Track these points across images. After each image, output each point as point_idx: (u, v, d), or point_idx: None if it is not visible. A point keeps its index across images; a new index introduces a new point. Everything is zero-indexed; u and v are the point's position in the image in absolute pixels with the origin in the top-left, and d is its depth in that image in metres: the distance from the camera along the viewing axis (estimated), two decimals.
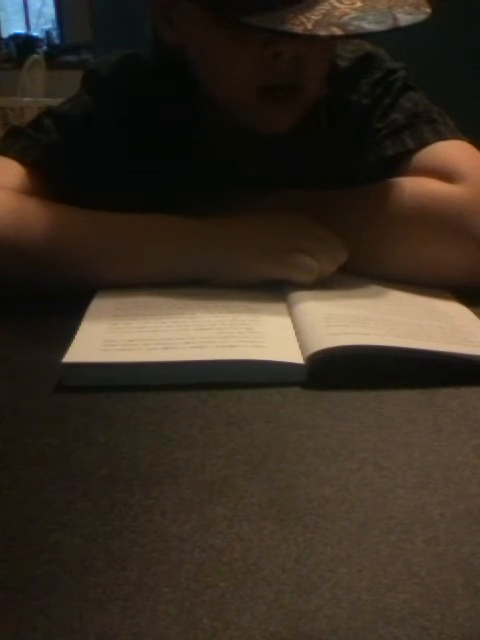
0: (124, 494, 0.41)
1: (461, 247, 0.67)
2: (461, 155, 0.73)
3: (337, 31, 0.60)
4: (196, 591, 0.33)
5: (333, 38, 0.61)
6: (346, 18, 0.61)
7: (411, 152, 0.74)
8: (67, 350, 0.55)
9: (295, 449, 0.45)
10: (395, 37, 0.63)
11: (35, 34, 6.15)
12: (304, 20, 0.60)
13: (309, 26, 0.60)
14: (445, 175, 0.69)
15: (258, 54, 0.66)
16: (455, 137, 0.75)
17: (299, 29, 0.60)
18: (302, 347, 0.55)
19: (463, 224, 0.67)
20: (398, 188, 0.70)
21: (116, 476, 0.43)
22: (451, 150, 0.74)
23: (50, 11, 6.21)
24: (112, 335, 0.58)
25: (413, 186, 0.70)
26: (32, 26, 6.31)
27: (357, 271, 0.69)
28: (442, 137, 0.74)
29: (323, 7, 0.61)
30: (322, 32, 0.60)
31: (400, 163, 0.74)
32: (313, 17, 0.60)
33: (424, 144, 0.74)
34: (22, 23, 6.34)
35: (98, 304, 0.64)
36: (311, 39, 0.61)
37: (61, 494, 0.41)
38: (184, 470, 0.43)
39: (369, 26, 0.61)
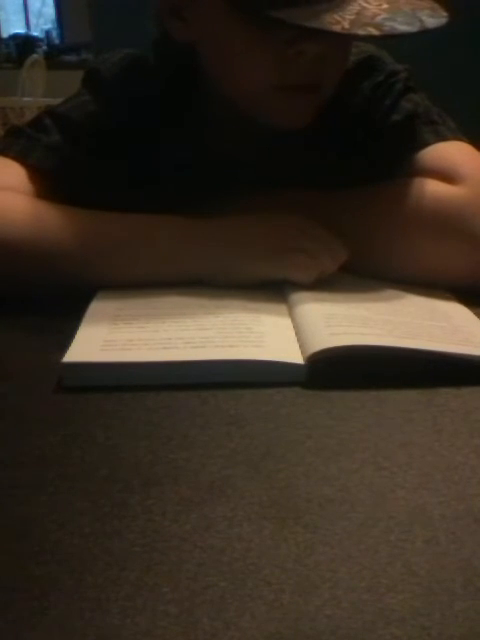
0: (124, 494, 0.41)
1: (461, 248, 0.67)
2: (461, 156, 0.73)
3: (374, 31, 0.60)
4: (196, 591, 0.33)
5: (371, 38, 0.61)
6: (379, 19, 0.61)
7: (411, 153, 0.74)
8: (67, 350, 0.55)
9: (295, 449, 0.45)
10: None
11: (35, 34, 6.16)
12: (339, 19, 0.60)
13: (346, 25, 0.60)
14: (445, 176, 0.69)
15: (280, 52, 0.66)
16: (455, 138, 0.75)
17: (337, 28, 0.60)
18: (302, 347, 0.55)
19: (463, 225, 0.67)
20: (398, 189, 0.70)
21: (116, 476, 0.43)
22: (451, 151, 0.74)
23: (50, 11, 6.22)
24: (112, 335, 0.58)
25: (414, 187, 0.70)
26: (32, 26, 6.31)
27: (357, 271, 0.69)
28: (442, 138, 0.74)
29: (353, 7, 0.61)
30: (360, 32, 0.60)
31: (400, 164, 0.74)
32: (347, 17, 0.60)
33: (424, 145, 0.74)
34: (22, 23, 6.35)
35: (98, 304, 0.64)
36: (352, 38, 0.61)
37: (61, 494, 0.41)
38: (184, 470, 0.43)
39: (401, 27, 0.61)
